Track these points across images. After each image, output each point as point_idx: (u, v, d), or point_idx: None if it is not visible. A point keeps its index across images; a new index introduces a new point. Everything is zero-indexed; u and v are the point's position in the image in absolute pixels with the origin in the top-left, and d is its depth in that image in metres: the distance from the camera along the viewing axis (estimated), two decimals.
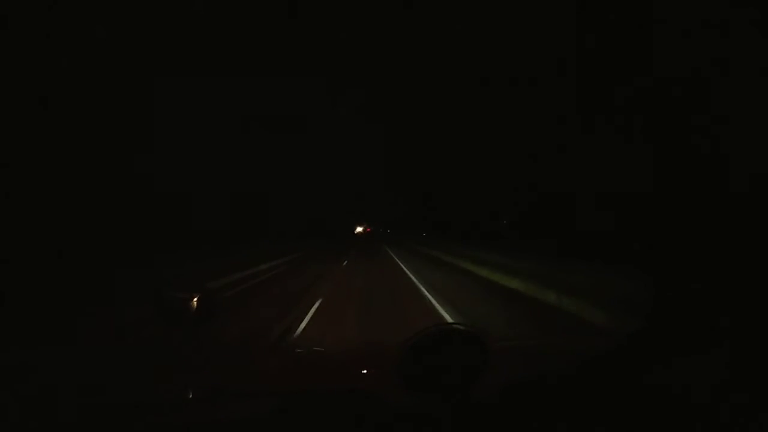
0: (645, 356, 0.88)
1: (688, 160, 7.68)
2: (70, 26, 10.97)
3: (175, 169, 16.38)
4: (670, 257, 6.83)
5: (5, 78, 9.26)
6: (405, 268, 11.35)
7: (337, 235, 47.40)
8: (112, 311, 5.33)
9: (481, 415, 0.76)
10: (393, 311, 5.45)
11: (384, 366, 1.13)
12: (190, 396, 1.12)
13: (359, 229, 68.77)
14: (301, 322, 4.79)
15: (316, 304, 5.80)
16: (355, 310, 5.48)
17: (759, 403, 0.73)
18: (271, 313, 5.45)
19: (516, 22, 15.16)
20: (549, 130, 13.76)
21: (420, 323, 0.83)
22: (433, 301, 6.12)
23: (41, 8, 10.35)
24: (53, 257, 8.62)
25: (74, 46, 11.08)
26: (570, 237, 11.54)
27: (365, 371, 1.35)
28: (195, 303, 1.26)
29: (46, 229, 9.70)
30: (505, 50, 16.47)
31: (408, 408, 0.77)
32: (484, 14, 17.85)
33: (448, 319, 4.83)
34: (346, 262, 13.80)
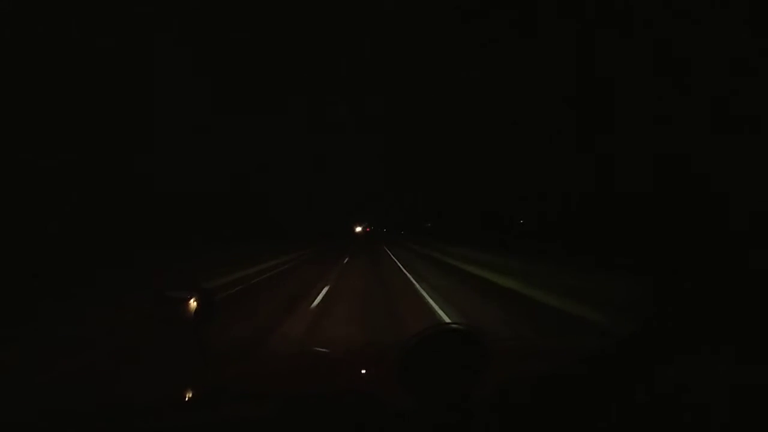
0: (644, 356, 0.88)
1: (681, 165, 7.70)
2: (68, 25, 10.93)
3: (174, 168, 16.39)
4: (665, 258, 6.83)
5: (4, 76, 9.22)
6: (390, 253, 18.05)
7: (338, 234, 47.57)
8: (111, 311, 5.32)
9: (480, 415, 0.75)
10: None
11: (384, 366, 1.13)
12: (190, 397, 1.12)
13: (359, 228, 69.23)
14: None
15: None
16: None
17: (759, 403, 0.73)
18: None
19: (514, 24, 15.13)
20: (548, 134, 13.78)
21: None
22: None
23: (39, 7, 10.32)
24: (50, 257, 8.60)
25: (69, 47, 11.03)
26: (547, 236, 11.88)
27: (365, 371, 1.35)
28: (194, 303, 1.26)
29: (43, 227, 9.66)
30: (504, 50, 16.46)
31: (407, 408, 0.77)
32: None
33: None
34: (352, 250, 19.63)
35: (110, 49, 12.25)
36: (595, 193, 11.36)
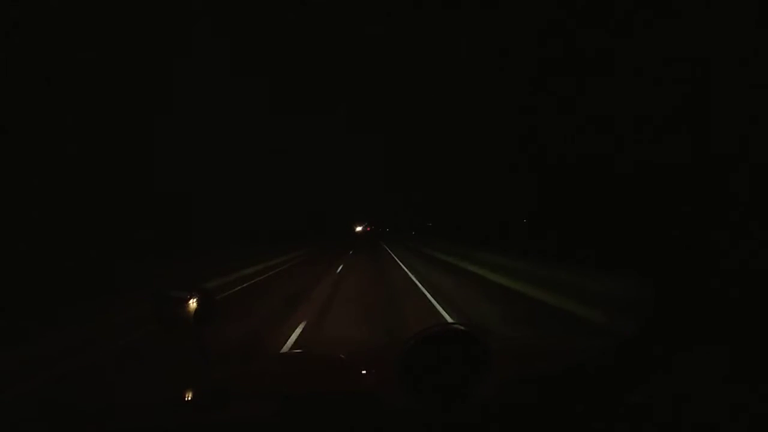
0: (644, 356, 0.88)
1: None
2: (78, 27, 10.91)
3: (176, 168, 16.41)
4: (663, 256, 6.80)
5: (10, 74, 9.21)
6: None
7: (339, 233, 47.43)
8: (111, 310, 5.33)
9: (481, 415, 0.75)
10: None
11: (384, 367, 1.13)
12: (190, 397, 1.12)
13: (359, 228, 68.21)
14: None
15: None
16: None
17: (759, 402, 0.73)
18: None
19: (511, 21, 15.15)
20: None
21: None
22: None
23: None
24: (52, 257, 8.59)
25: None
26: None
27: (365, 371, 1.34)
28: (193, 303, 1.25)
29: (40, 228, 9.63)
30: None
31: (407, 408, 0.77)
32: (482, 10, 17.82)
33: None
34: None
35: (110, 49, 12.26)
36: (594, 193, 11.34)
